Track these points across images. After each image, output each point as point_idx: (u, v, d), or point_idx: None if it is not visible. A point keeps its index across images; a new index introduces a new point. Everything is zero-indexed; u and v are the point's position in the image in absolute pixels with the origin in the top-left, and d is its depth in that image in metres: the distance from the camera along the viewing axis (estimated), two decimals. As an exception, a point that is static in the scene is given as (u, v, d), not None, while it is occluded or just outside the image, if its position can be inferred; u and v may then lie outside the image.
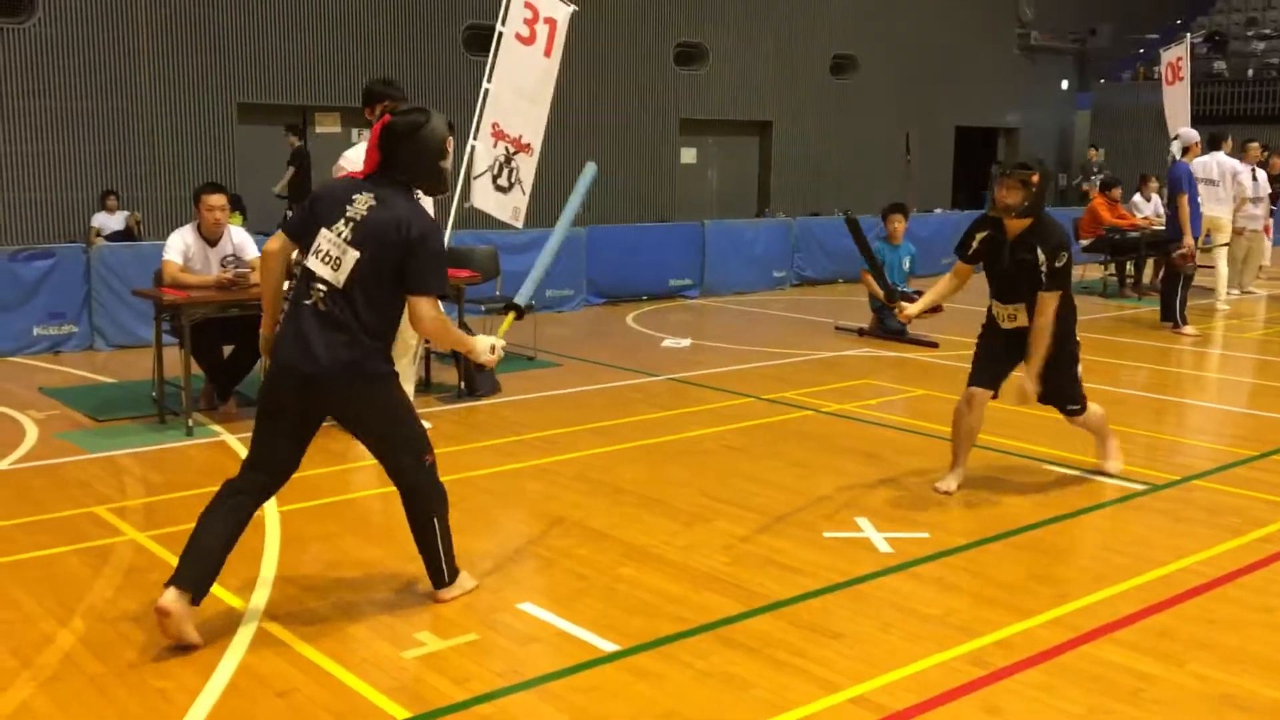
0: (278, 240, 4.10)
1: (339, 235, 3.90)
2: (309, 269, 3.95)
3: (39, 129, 14.33)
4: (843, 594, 4.43)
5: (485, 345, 4.24)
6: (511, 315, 4.54)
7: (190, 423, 6.76)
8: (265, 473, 4.04)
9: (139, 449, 6.41)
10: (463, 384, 7.84)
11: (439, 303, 3.99)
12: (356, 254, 3.88)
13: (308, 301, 3.92)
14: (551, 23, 8.48)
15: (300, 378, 3.91)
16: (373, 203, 3.93)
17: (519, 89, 8.48)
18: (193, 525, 4.99)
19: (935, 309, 5.83)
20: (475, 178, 8.42)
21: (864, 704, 3.54)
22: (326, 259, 3.91)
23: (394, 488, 4.26)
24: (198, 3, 15.10)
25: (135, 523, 5.17)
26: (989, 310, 5.76)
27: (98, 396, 7.78)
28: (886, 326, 10.40)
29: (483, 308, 9.28)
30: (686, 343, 10.11)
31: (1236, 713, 3.53)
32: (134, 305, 9.26)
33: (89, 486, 5.73)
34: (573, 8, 8.64)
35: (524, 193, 8.73)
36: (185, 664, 3.76)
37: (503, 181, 8.47)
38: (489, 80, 8.36)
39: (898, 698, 3.57)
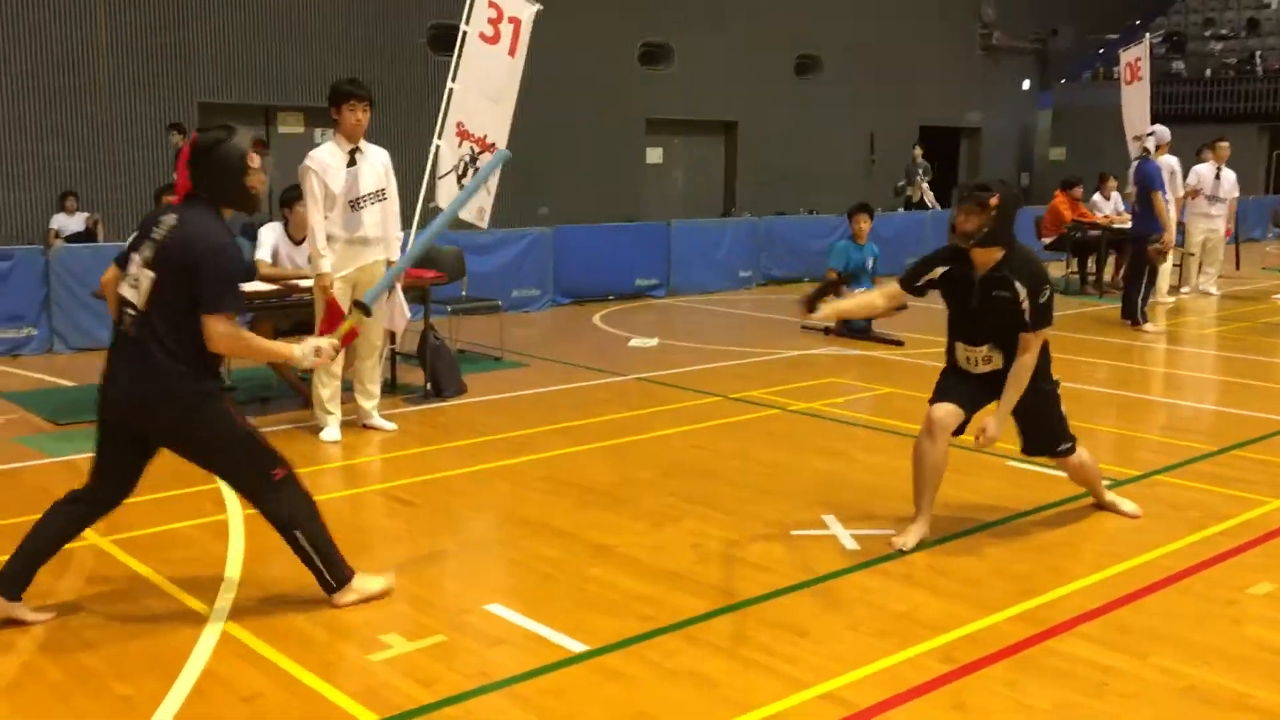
0: (110, 270, 4.08)
1: (142, 258, 3.89)
2: (121, 294, 3.95)
3: (-5, 129, 14.14)
4: (810, 591, 4.44)
5: (306, 350, 4.11)
6: (356, 315, 4.41)
7: (152, 426, 6.67)
8: (103, 485, 4.08)
9: (100, 453, 6.33)
10: (429, 385, 7.80)
11: (232, 319, 3.88)
12: (152, 274, 3.85)
13: (120, 327, 3.94)
14: (516, 22, 8.45)
15: (109, 402, 3.95)
16: (174, 224, 3.90)
17: (484, 89, 8.45)
18: (157, 530, 4.95)
19: (868, 333, 5.23)
20: (440, 178, 8.37)
21: (832, 700, 3.55)
22: (133, 283, 3.91)
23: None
24: (158, 1, 14.95)
25: (96, 528, 5.06)
26: (948, 352, 5.16)
27: (58, 400, 7.68)
28: (852, 325, 10.44)
29: (449, 308, 9.25)
30: (653, 342, 10.11)
31: (1200, 705, 3.57)
32: (94, 308, 9.14)
33: (49, 491, 5.60)
34: (537, 6, 8.61)
35: (489, 193, 8.69)
36: (148, 670, 3.72)
37: (467, 182, 8.42)
38: (453, 80, 8.32)
39: (866, 694, 3.59)
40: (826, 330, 10.65)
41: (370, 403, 6.95)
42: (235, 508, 5.34)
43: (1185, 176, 12.92)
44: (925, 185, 19.96)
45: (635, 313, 12.10)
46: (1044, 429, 5.10)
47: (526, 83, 8.75)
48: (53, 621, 4.07)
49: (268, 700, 3.53)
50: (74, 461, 6.17)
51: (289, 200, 7.64)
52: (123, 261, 4.00)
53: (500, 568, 4.80)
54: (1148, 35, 16.90)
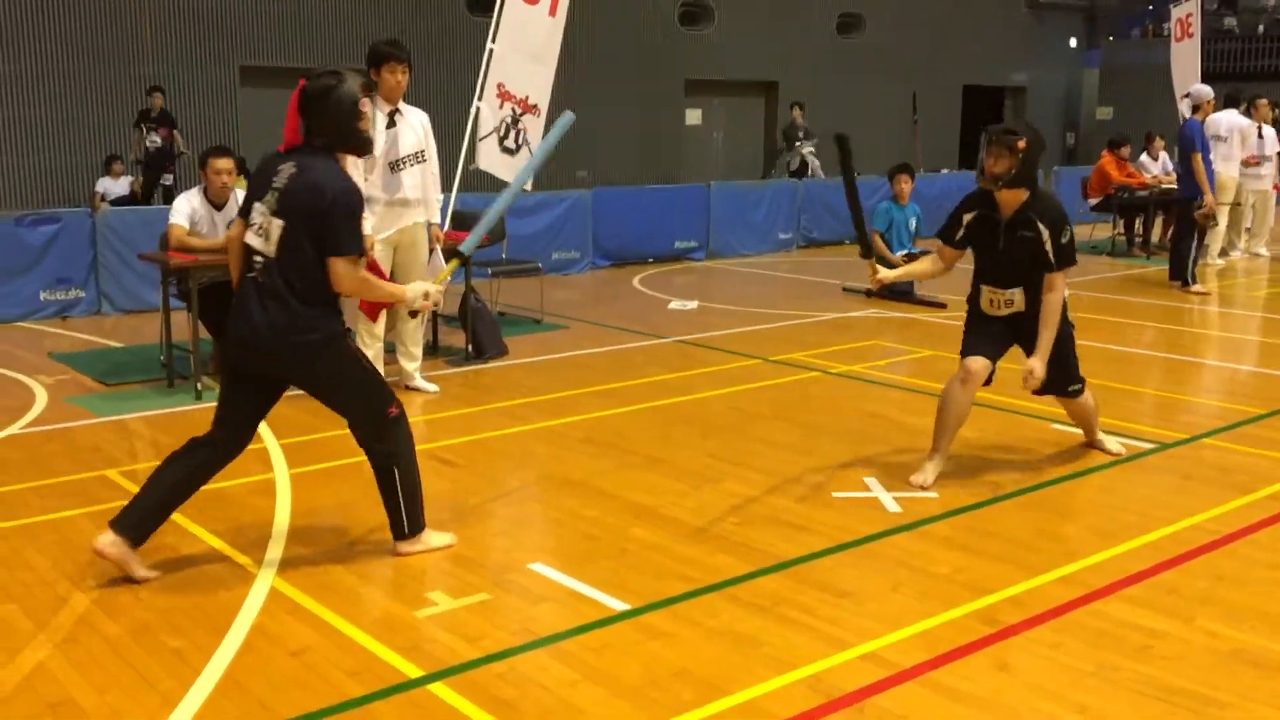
0: (237, 226, 4.22)
1: (267, 206, 4.02)
2: (247, 244, 4.10)
3: (42, 94, 14.27)
4: (852, 553, 4.44)
5: (417, 292, 4.35)
6: (455, 262, 4.65)
7: (199, 386, 6.77)
8: (226, 431, 4.22)
9: (148, 412, 6.43)
10: (470, 347, 7.84)
11: (356, 261, 4.06)
12: (281, 223, 3.99)
13: (250, 274, 4.08)
14: (556, -19, 8.40)
15: (241, 346, 4.10)
16: (294, 171, 4.02)
17: (524, 49, 8.41)
18: (206, 489, 5.01)
19: (910, 296, 5.47)
20: (480, 140, 8.37)
21: (875, 661, 3.56)
22: (260, 231, 4.05)
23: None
24: (199, -35, 15.00)
25: (146, 486, 5.18)
26: (972, 297, 5.35)
27: (107, 361, 7.80)
28: (894, 288, 10.33)
29: (489, 271, 9.28)
30: (693, 305, 10.10)
31: (1245, 668, 3.55)
32: (140, 270, 9.27)
33: (100, 450, 5.75)
34: (577, -34, 8.55)
35: (531, 154, 8.68)
36: (199, 624, 3.79)
37: (510, 143, 8.42)
38: (493, 41, 8.30)
39: (908, 655, 3.59)
40: (868, 293, 10.58)
41: (412, 364, 7.00)
42: (281, 467, 5.41)
43: (1239, 133, 12.46)
44: (808, 151, 18.23)
45: (674, 275, 12.08)
46: (1058, 368, 5.21)
47: (566, 43, 8.71)
48: (104, 577, 4.15)
49: (315, 654, 3.59)
50: (124, 421, 6.27)
51: (208, 159, 7.34)
52: (243, 213, 4.14)
53: (543, 527, 4.84)
54: (1199, -10, 16.51)
